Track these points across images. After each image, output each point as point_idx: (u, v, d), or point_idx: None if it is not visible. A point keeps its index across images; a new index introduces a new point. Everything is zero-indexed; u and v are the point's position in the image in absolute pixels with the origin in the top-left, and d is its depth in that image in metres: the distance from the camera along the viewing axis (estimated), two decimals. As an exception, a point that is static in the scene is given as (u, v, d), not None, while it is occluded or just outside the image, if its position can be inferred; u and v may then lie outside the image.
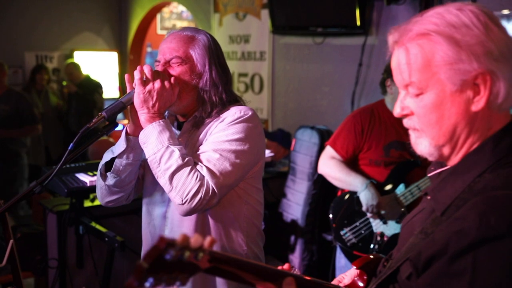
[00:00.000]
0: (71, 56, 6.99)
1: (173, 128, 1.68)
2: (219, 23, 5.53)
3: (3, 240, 1.82)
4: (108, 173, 1.69)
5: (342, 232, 2.80)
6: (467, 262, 0.87)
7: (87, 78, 6.54)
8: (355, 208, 2.76)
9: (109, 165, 1.70)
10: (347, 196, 2.81)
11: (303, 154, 3.91)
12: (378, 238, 2.71)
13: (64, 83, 6.69)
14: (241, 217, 1.71)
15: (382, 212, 2.69)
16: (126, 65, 7.42)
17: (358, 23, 3.92)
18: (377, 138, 2.73)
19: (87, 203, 2.96)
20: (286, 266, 1.16)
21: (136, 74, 1.59)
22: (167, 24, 8.41)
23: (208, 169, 1.55)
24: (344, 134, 2.79)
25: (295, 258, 3.90)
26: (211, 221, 1.68)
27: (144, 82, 1.59)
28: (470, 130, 0.99)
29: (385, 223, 2.71)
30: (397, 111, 1.05)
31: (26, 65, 6.70)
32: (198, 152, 1.61)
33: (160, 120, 1.58)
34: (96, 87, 6.48)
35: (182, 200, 1.51)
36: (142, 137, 1.59)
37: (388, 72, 2.69)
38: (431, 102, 0.98)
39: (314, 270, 3.86)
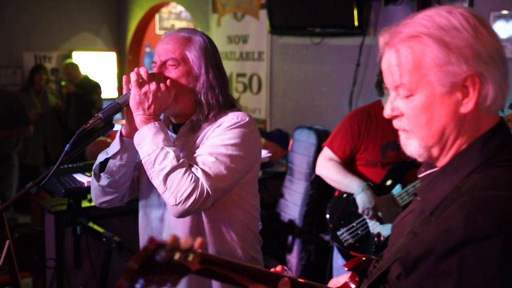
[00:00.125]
0: (69, 56, 6.99)
1: (168, 131, 1.68)
2: (218, 23, 5.53)
3: (0, 241, 1.82)
4: (102, 174, 1.70)
5: (339, 233, 2.80)
6: (454, 262, 0.88)
7: (86, 78, 6.55)
8: (352, 208, 2.76)
9: (103, 166, 1.71)
10: (344, 197, 2.82)
11: (300, 154, 3.91)
12: (375, 239, 2.72)
13: (63, 83, 6.69)
14: (236, 222, 1.72)
15: (379, 213, 2.70)
16: (125, 65, 7.41)
17: (356, 23, 3.93)
18: (374, 139, 2.73)
19: (85, 204, 2.96)
20: (278, 268, 1.16)
21: (133, 76, 1.60)
22: (165, 24, 8.41)
23: (203, 171, 1.55)
24: (341, 135, 2.79)
25: (293, 258, 3.90)
26: (206, 224, 1.69)
27: (140, 84, 1.59)
28: (459, 132, 0.99)
29: (381, 223, 2.71)
30: (387, 112, 1.05)
31: (24, 65, 6.69)
32: (194, 155, 1.62)
33: (155, 122, 1.59)
34: (94, 87, 6.48)
35: (176, 201, 1.52)
36: (137, 138, 1.60)
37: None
38: (421, 103, 0.99)
39: (312, 270, 3.86)
